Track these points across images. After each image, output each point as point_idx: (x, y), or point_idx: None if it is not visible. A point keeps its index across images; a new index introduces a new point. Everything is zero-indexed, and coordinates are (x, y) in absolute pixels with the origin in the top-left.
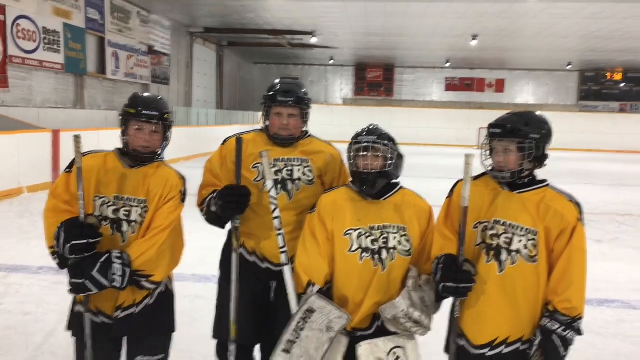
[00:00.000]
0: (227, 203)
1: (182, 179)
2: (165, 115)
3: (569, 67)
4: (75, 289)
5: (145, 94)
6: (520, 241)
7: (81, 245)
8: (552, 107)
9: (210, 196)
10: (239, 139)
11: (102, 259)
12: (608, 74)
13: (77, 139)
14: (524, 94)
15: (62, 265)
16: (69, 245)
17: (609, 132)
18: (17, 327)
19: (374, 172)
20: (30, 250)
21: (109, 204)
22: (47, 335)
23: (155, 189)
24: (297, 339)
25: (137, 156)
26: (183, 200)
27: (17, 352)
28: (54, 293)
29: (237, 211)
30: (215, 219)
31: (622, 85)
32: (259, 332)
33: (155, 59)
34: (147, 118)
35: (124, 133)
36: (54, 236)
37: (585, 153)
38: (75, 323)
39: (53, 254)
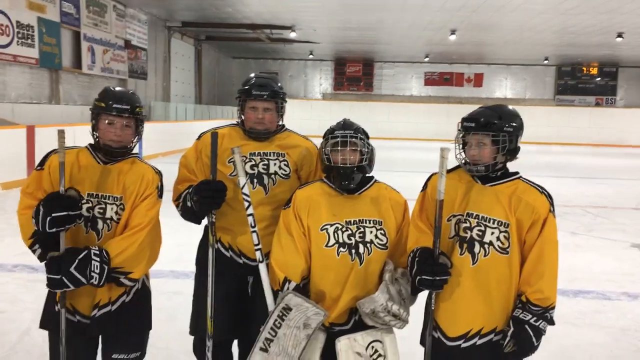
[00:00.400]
0: (202, 198)
1: (158, 174)
2: (137, 109)
3: (545, 61)
4: (52, 284)
5: (117, 88)
6: (492, 233)
7: (61, 217)
8: (529, 102)
9: (186, 191)
10: (214, 134)
11: (81, 256)
12: (584, 69)
13: (61, 133)
14: (502, 88)
15: (43, 256)
16: (49, 217)
17: (585, 126)
18: None
19: (351, 166)
20: (5, 249)
21: (83, 202)
22: (22, 334)
23: (131, 186)
24: (274, 336)
25: (109, 151)
26: (160, 196)
27: None
28: (29, 291)
29: (213, 206)
30: (191, 214)
31: (598, 79)
32: (236, 328)
33: (132, 53)
34: (118, 112)
35: (94, 128)
36: (32, 215)
37: (561, 146)
38: (50, 320)
39: (32, 245)
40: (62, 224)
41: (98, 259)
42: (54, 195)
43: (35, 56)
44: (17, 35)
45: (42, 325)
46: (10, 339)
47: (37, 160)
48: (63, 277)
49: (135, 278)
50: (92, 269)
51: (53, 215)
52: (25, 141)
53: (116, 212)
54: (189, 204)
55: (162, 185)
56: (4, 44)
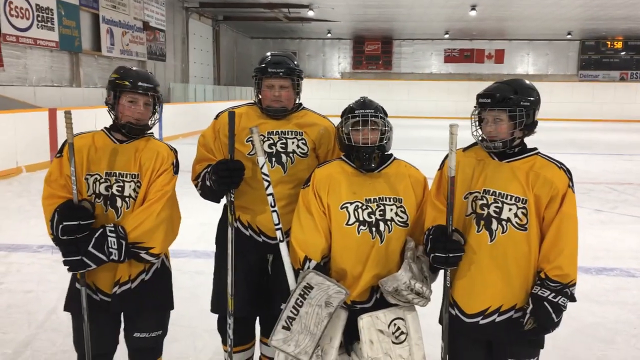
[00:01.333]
0: (220, 178)
1: (173, 150)
2: (157, 87)
3: (568, 36)
4: (73, 266)
5: (134, 67)
6: (510, 210)
7: (72, 226)
8: (552, 77)
9: (205, 171)
10: (231, 113)
11: (97, 234)
12: (608, 43)
13: (67, 115)
14: (523, 64)
15: (67, 253)
16: (60, 226)
17: (609, 102)
18: (18, 305)
19: (372, 145)
20: (30, 230)
21: (101, 181)
22: (48, 313)
23: (147, 162)
24: (296, 315)
25: (130, 129)
26: (176, 172)
27: (19, 330)
28: (55, 271)
29: (231, 185)
30: (210, 193)
31: (623, 53)
32: (257, 305)
33: (151, 35)
34: (144, 90)
35: (112, 107)
36: (50, 220)
37: (585, 123)
38: (73, 301)
39: (54, 240)
40: (72, 233)
41: (114, 234)
42: (69, 205)
43: (55, 39)
44: (36, 19)
45: (67, 307)
46: (37, 318)
47: (60, 142)
48: (83, 258)
49: (155, 253)
50: (110, 245)
51: (64, 224)
52: (47, 124)
53: (134, 190)
54: (207, 183)
55: (177, 162)
56: (24, 27)
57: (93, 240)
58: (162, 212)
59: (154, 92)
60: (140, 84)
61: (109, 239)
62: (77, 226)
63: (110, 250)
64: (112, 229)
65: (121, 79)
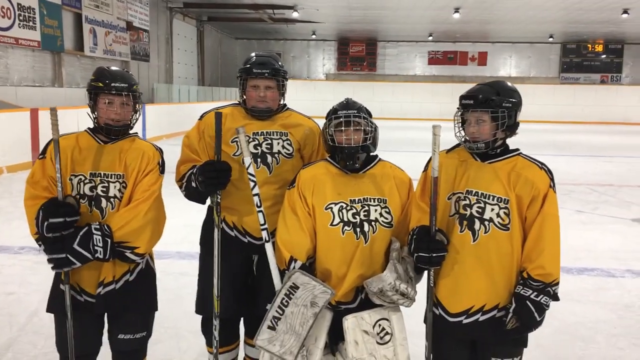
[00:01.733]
0: (208, 179)
1: (159, 150)
2: (134, 87)
3: (550, 39)
4: (58, 264)
5: (112, 67)
6: (492, 210)
7: (58, 223)
8: (534, 80)
9: (190, 172)
10: (217, 114)
11: (82, 232)
12: (589, 46)
13: (53, 112)
14: (506, 66)
15: (50, 250)
16: (46, 223)
17: (590, 104)
18: (0, 307)
19: (356, 146)
20: (12, 231)
21: (85, 182)
22: (30, 315)
23: (132, 162)
24: (282, 315)
25: (110, 130)
26: (162, 172)
27: (1, 333)
28: (36, 273)
29: (218, 186)
30: (195, 194)
31: (603, 56)
32: (242, 306)
33: (134, 35)
34: (117, 90)
35: (92, 109)
36: (35, 219)
37: (566, 125)
38: (57, 302)
39: (38, 240)
40: (58, 230)
41: (99, 232)
42: (53, 202)
43: (37, 39)
44: (18, 18)
45: (49, 308)
46: (19, 320)
47: (42, 143)
48: (68, 255)
49: (140, 253)
50: (95, 243)
51: (50, 221)
52: (29, 124)
53: (119, 190)
54: (193, 184)
55: (163, 162)
56: (6, 27)
57: (78, 237)
58: (149, 212)
59: (128, 91)
60: (113, 84)
61: (94, 236)
62: (63, 223)
63: (96, 248)
64: (98, 227)
65: (96, 81)
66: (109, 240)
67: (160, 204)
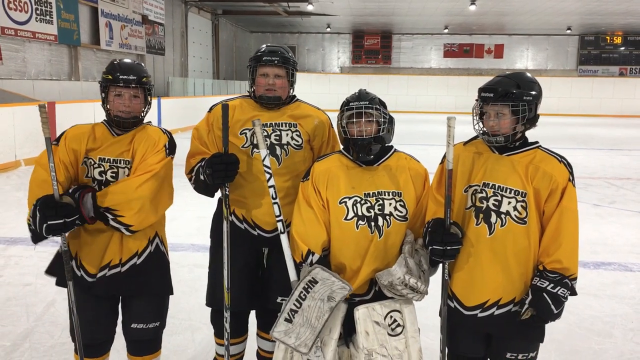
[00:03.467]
0: (215, 172)
1: (166, 133)
2: (144, 79)
3: (568, 31)
4: (54, 228)
5: (124, 60)
6: (509, 203)
7: (58, 225)
8: (551, 72)
9: (199, 165)
10: (224, 105)
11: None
12: (608, 38)
13: (41, 109)
14: (523, 59)
15: (35, 239)
16: (45, 225)
17: (608, 97)
18: (17, 298)
19: (368, 137)
20: None
21: (94, 166)
22: (47, 306)
23: (139, 147)
24: (299, 308)
25: (121, 122)
26: (170, 153)
27: (17, 323)
28: None
29: (226, 179)
30: (204, 187)
31: (622, 49)
32: (252, 299)
33: (150, 28)
34: (125, 83)
35: (104, 101)
36: (29, 215)
37: (584, 118)
38: (58, 269)
39: (30, 225)
40: (58, 231)
41: (89, 193)
42: (50, 203)
43: (54, 32)
44: (35, 12)
45: (48, 270)
46: (35, 311)
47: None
48: (57, 213)
49: (125, 223)
50: (84, 201)
51: (49, 223)
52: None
53: (127, 175)
54: (201, 177)
55: (171, 144)
56: (23, 21)
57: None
58: (143, 186)
59: (137, 83)
60: (122, 76)
61: (83, 196)
62: (63, 224)
63: (86, 204)
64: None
65: (106, 73)
66: (96, 200)
67: (162, 183)
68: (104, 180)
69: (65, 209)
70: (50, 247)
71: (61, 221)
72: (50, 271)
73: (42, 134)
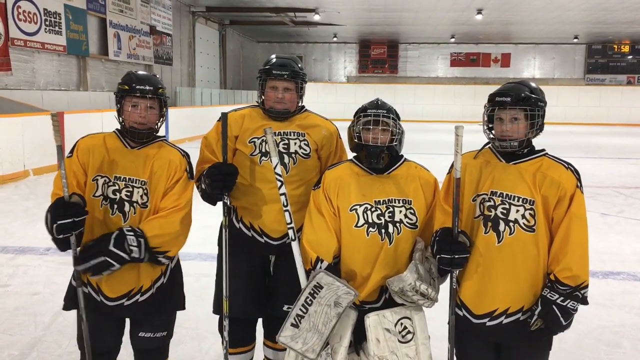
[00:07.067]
0: (214, 182)
1: (185, 156)
2: (160, 90)
3: (575, 40)
4: (96, 269)
5: (139, 71)
6: (517, 211)
7: (67, 224)
8: (558, 81)
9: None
10: (223, 114)
11: (114, 235)
12: (615, 47)
13: (53, 117)
14: (530, 68)
15: (58, 245)
16: (55, 225)
17: (616, 106)
18: (25, 307)
19: (382, 145)
20: (37, 232)
21: (109, 184)
22: (55, 315)
23: (158, 170)
24: (305, 313)
25: (136, 133)
26: (191, 177)
27: (25, 332)
28: (61, 273)
29: (224, 189)
30: (206, 196)
31: (630, 57)
32: (259, 306)
33: (158, 39)
34: (142, 93)
35: (119, 112)
36: (45, 223)
37: (592, 127)
38: (72, 298)
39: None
40: (68, 231)
41: (132, 233)
42: (59, 203)
43: (62, 43)
44: (44, 23)
45: (66, 307)
46: (43, 320)
47: (67, 146)
48: (106, 258)
49: (172, 256)
50: (130, 243)
51: (59, 222)
52: None
53: (141, 196)
54: (203, 186)
55: (191, 167)
56: (32, 32)
57: (112, 239)
58: (184, 220)
59: (153, 94)
60: (139, 87)
61: (128, 237)
62: (72, 223)
63: (131, 247)
64: (129, 228)
65: (122, 84)
66: (142, 240)
67: (191, 208)
68: (118, 199)
69: (73, 209)
70: (58, 256)
71: (70, 220)
72: (67, 307)
73: (50, 144)
